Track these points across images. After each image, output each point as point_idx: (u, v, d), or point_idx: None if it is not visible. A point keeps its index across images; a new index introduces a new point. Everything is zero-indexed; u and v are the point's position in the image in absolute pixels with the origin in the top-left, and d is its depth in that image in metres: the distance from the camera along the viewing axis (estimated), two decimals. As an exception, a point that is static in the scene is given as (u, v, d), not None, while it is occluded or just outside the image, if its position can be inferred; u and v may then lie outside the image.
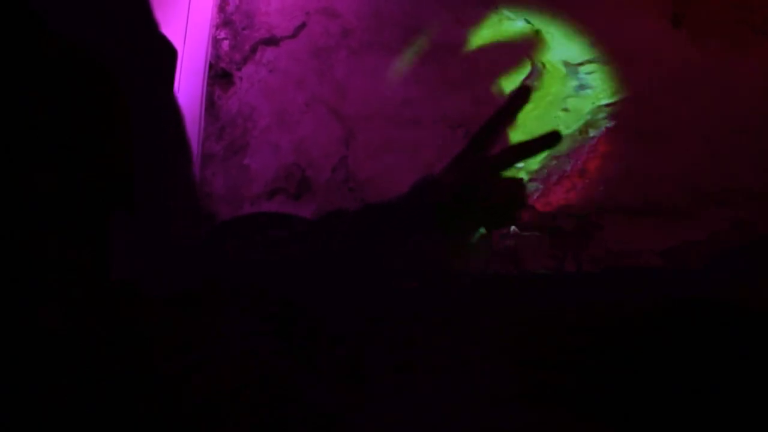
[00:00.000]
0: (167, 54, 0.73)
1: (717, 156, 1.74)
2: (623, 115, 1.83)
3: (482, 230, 0.79)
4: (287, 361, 0.78)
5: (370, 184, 1.89)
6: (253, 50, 2.00)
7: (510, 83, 1.80)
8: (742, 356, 0.83)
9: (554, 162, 1.78)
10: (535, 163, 1.74)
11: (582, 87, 1.85)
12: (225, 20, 1.99)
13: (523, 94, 0.79)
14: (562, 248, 1.80)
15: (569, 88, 1.88)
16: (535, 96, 1.83)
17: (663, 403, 0.74)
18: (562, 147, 1.76)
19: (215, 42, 1.97)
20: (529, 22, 1.85)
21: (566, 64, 1.84)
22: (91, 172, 0.49)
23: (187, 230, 0.70)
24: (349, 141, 1.94)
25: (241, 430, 0.64)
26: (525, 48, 1.87)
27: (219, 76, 1.97)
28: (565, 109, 1.86)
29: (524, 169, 1.78)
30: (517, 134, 1.75)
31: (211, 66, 1.94)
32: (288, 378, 0.74)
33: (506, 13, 1.88)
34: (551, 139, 0.82)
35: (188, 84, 1.68)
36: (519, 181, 0.78)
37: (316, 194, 1.93)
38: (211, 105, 1.95)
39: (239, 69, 2.00)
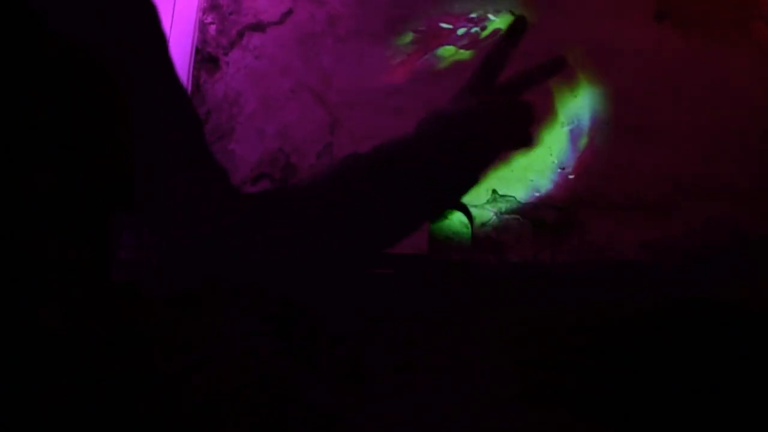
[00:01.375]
0: (162, 44, 0.73)
1: (702, 152, 1.74)
2: (608, 110, 1.83)
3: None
4: (287, 361, 0.78)
5: (354, 170, 1.90)
6: (240, 35, 2.01)
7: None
8: (742, 356, 0.83)
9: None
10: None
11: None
12: (212, 5, 2.00)
13: (521, 23, 0.80)
14: (543, 239, 1.80)
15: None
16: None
17: (663, 403, 0.74)
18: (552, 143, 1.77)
19: (202, 26, 1.97)
20: (513, 14, 1.85)
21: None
22: (91, 172, 0.49)
23: (187, 230, 0.70)
24: (334, 128, 1.95)
25: (241, 430, 0.64)
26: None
27: (205, 60, 1.97)
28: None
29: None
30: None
31: (197, 50, 1.93)
32: (288, 378, 0.74)
33: (492, 4, 1.88)
34: (557, 64, 0.83)
35: (175, 68, 1.68)
36: (527, 104, 0.79)
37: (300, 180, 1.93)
38: (197, 89, 1.94)
39: (226, 54, 2.00)
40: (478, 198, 1.80)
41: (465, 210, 1.76)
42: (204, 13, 1.97)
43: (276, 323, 0.86)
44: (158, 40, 0.72)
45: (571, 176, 1.78)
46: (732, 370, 0.79)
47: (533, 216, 1.81)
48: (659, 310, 1.08)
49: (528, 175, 1.78)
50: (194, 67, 1.91)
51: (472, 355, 0.88)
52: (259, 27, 2.00)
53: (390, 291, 1.14)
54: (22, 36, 0.48)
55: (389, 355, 0.87)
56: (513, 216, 1.81)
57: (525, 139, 0.76)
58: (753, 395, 0.73)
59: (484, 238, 1.78)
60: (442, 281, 1.37)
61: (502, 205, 1.80)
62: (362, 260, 0.82)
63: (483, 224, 1.83)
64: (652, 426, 0.71)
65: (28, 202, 0.45)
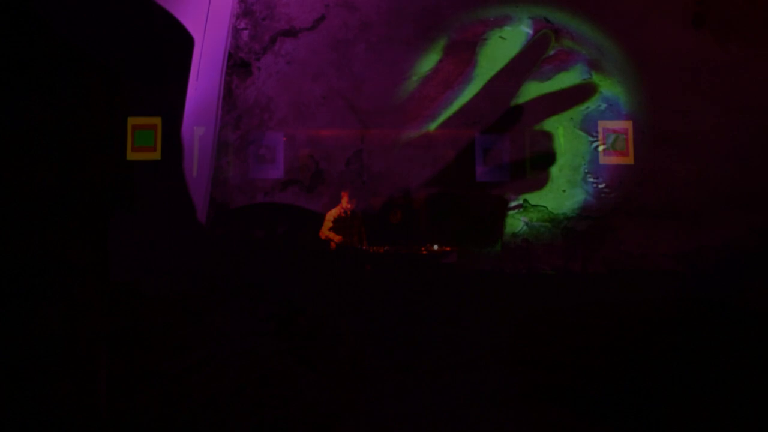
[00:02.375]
0: (182, 45, 0.73)
1: (739, 159, 1.75)
2: (644, 117, 1.84)
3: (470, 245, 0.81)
4: (287, 361, 0.78)
5: (384, 177, 1.93)
6: (272, 41, 2.06)
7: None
8: (742, 356, 0.83)
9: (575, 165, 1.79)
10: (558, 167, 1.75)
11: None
12: (245, 10, 2.05)
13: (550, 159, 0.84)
14: (574, 249, 1.81)
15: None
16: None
17: (663, 403, 0.74)
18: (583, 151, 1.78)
19: (235, 32, 2.02)
20: (549, 21, 1.87)
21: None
22: (91, 172, 0.49)
23: (187, 230, 0.70)
24: (365, 135, 2.00)
25: (241, 430, 0.64)
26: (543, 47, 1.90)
27: (237, 65, 2.02)
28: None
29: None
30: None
31: (230, 55, 1.98)
32: (288, 378, 0.74)
33: (526, 11, 1.90)
34: (548, 159, 0.85)
35: (207, 73, 1.71)
36: (502, 198, 0.81)
37: (330, 186, 1.98)
38: (228, 94, 2.00)
39: (258, 59, 2.06)
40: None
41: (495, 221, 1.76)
42: (237, 19, 2.01)
43: (276, 323, 0.86)
44: (166, 41, 0.72)
45: (602, 185, 1.79)
46: (732, 370, 0.79)
47: (565, 226, 1.82)
48: (659, 310, 1.07)
49: (560, 185, 1.79)
50: (226, 72, 1.95)
51: (472, 355, 0.88)
52: (291, 33, 2.06)
53: (390, 291, 1.14)
54: (22, 36, 0.48)
55: (389, 355, 0.87)
56: (544, 225, 1.82)
57: (491, 234, 0.79)
58: (753, 395, 0.73)
59: (515, 247, 1.79)
60: (443, 281, 1.37)
61: (533, 215, 1.82)
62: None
63: (514, 234, 1.85)
64: (652, 426, 0.71)
65: (28, 202, 0.45)
